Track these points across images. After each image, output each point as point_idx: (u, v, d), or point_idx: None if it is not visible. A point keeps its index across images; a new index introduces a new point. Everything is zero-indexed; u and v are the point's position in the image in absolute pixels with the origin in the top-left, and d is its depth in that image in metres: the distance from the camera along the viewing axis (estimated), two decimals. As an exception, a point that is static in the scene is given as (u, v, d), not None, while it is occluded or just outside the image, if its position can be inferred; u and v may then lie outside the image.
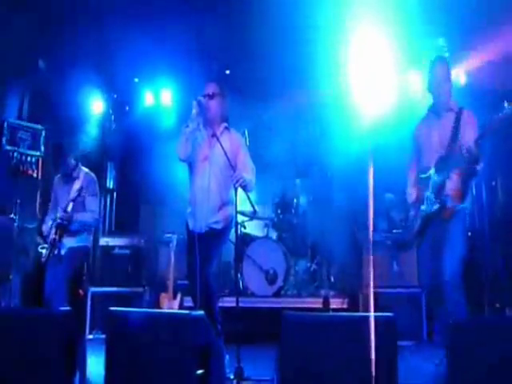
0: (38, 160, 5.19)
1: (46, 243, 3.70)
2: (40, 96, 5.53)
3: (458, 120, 3.17)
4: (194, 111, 3.34)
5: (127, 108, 6.68)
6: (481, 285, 4.43)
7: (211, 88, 3.47)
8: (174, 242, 5.21)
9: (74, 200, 3.59)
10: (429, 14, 4.80)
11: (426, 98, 3.63)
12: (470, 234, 4.63)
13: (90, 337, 4.78)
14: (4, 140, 4.97)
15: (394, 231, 4.94)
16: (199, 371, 2.51)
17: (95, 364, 3.09)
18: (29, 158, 5.11)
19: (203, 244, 3.28)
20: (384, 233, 4.85)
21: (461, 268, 3.10)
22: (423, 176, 3.31)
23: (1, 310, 3.85)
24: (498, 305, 4.42)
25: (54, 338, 2.58)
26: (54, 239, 3.59)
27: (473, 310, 3.96)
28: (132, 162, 6.02)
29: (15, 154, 5.01)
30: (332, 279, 5.46)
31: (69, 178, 3.81)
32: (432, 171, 3.23)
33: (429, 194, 3.22)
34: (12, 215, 4.76)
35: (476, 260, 4.55)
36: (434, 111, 3.36)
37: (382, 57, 5.62)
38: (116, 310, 2.72)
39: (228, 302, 3.95)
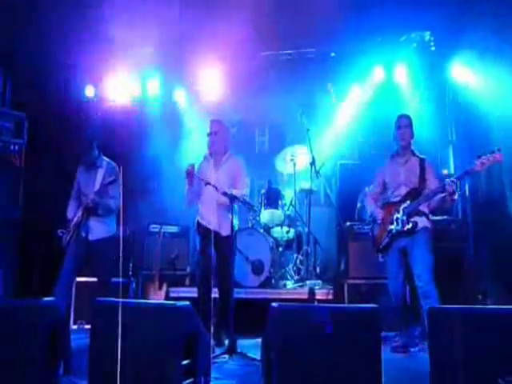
0: (21, 148, 5.09)
1: (68, 228, 3.86)
2: (23, 83, 5.41)
3: (422, 166, 3.89)
4: (187, 184, 3.92)
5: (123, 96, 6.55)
6: (463, 275, 4.49)
7: (214, 127, 4.04)
8: (161, 233, 5.19)
9: (102, 186, 3.84)
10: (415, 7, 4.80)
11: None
12: (453, 226, 4.71)
13: (75, 327, 4.75)
14: (-14, 128, 4.88)
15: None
16: (185, 361, 2.52)
17: (79, 354, 3.07)
18: (12, 147, 5.02)
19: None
20: (369, 224, 4.87)
21: (432, 269, 3.66)
22: (393, 201, 3.93)
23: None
24: (480, 296, 4.50)
25: (38, 328, 2.56)
26: (81, 221, 3.83)
27: (454, 301, 4.03)
28: (117, 151, 5.95)
29: (-2, 143, 4.91)
30: (318, 270, 5.49)
31: (92, 167, 3.99)
32: (404, 198, 3.85)
33: (400, 215, 3.83)
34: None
35: (459, 251, 4.61)
36: (399, 156, 4.02)
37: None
38: (102, 300, 2.71)
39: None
